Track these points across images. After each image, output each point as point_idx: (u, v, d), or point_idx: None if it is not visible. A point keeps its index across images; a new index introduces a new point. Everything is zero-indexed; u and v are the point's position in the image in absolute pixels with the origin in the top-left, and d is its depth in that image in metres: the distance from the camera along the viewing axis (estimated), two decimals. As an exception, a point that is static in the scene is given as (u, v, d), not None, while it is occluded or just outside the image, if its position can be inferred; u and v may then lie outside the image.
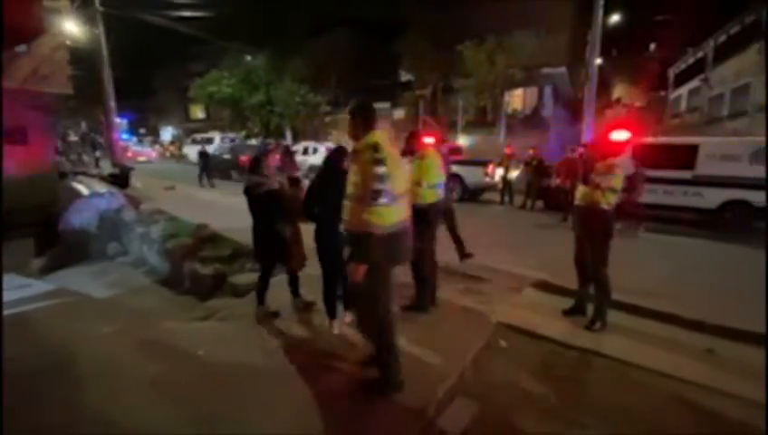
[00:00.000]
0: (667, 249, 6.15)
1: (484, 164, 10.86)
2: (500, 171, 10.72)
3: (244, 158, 14.63)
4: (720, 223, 7.58)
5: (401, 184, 2.18)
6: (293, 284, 3.45)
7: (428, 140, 3.72)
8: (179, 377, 2.58)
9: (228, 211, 6.95)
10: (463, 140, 20.02)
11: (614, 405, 2.40)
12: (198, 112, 40.42)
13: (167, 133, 43.08)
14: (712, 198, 7.68)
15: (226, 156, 16.43)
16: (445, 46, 20.28)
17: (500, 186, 10.72)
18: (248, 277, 4.01)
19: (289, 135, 24.27)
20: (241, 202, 3.24)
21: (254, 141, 22.47)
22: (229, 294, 3.92)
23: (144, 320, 3.46)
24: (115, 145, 12.98)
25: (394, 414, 2.20)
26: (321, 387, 2.41)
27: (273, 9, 23.71)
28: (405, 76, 26.72)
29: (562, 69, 21.08)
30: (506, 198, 10.46)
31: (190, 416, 2.21)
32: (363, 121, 2.19)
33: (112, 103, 12.58)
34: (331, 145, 17.66)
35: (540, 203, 9.71)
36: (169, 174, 17.19)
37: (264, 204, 3.10)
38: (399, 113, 26.02)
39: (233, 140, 21.27)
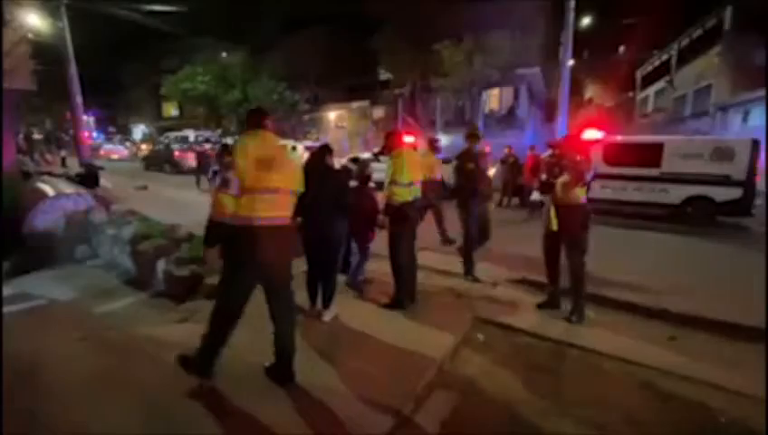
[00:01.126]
0: (636, 243, 6.42)
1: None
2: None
3: (177, 153, 17.13)
4: (683, 217, 7.97)
5: (250, 180, 2.18)
6: None
7: (408, 138, 3.77)
8: (153, 381, 2.52)
9: (204, 210, 6.79)
10: (442, 140, 20.20)
11: (588, 393, 2.50)
12: (172, 110, 39.21)
13: (138, 131, 41.62)
14: (676, 193, 8.06)
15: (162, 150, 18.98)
16: (422, 45, 20.41)
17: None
18: (225, 278, 3.93)
19: (267, 133, 23.89)
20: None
21: (230, 140, 22.01)
22: (206, 295, 3.84)
23: (117, 324, 3.35)
24: (83, 143, 12.45)
25: (372, 409, 2.22)
26: (300, 387, 2.41)
27: (247, 5, 23.29)
28: (384, 75, 26.73)
29: (536, 69, 21.57)
30: (484, 196, 10.64)
31: (164, 420, 2.17)
32: (246, 124, 2.47)
33: (79, 100, 12.07)
34: (310, 144, 17.52)
35: (515, 200, 9.94)
36: (141, 173, 16.64)
37: None
38: (379, 112, 26.03)
39: (207, 139, 20.78)
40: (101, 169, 10.23)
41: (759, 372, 2.60)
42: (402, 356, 2.79)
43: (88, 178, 8.79)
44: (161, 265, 4.12)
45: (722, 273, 4.92)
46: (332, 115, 28.45)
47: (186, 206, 8.22)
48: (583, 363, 2.83)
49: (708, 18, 20.91)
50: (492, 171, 10.96)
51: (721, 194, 7.67)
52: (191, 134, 22.29)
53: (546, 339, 3.11)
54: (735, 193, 7.55)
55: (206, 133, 23.36)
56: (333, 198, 3.11)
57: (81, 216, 5.48)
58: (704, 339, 3.16)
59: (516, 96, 22.43)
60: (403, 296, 3.53)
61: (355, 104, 27.05)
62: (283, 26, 25.08)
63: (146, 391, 2.40)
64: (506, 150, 10.27)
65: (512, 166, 9.89)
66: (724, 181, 7.62)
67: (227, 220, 2.16)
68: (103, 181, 9.60)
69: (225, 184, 2.16)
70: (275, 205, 2.30)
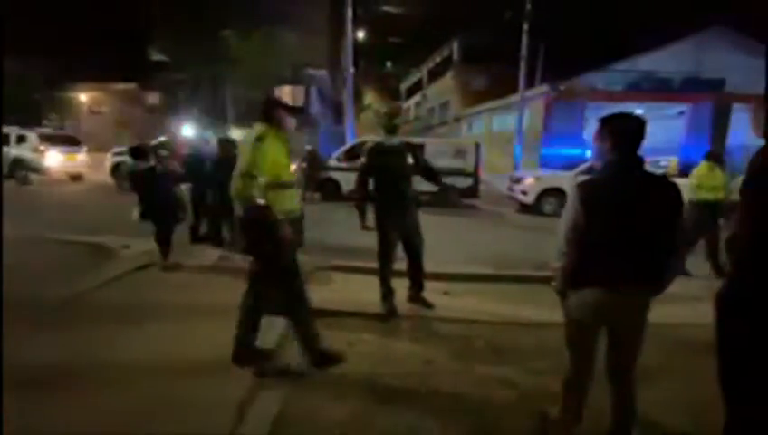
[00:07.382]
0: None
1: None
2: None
3: None
4: (440, 200, 10.47)
5: None
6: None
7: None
8: None
9: None
10: (235, 134, 19.08)
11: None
12: None
13: None
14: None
15: None
16: (208, 30, 18.66)
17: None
18: None
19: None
20: None
21: None
22: None
23: None
24: None
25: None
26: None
27: None
28: (156, 56, 22.98)
29: (324, 72, 23.18)
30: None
31: None
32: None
33: None
34: (49, 132, 13.61)
35: (317, 195, 10.69)
36: None
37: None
38: (154, 97, 22.28)
39: None
40: None
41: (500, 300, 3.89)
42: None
43: None
44: None
45: (467, 238, 6.85)
46: (84, 97, 22.54)
47: None
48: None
49: (444, 48, 27.36)
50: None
51: (461, 182, 10.51)
52: None
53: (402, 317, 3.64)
54: (469, 181, 10.53)
55: None
56: None
57: None
58: (467, 288, 4.38)
59: (308, 94, 23.45)
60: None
61: (119, 86, 22.26)
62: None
63: None
64: (309, 148, 10.98)
65: (311, 163, 10.61)
66: (462, 172, 10.49)
67: None
68: None
69: None
70: None
